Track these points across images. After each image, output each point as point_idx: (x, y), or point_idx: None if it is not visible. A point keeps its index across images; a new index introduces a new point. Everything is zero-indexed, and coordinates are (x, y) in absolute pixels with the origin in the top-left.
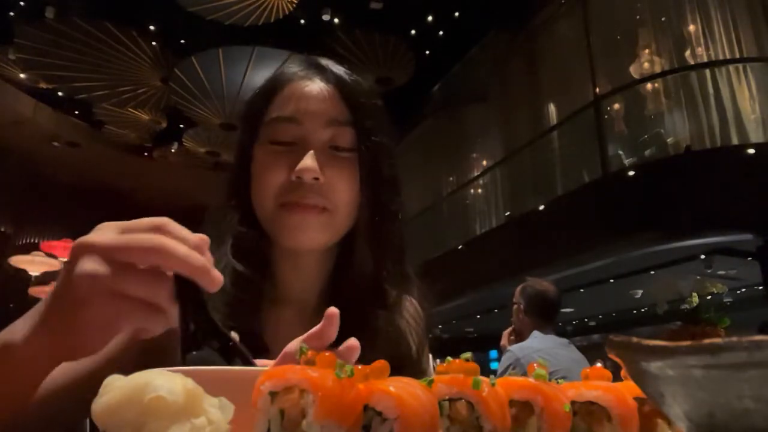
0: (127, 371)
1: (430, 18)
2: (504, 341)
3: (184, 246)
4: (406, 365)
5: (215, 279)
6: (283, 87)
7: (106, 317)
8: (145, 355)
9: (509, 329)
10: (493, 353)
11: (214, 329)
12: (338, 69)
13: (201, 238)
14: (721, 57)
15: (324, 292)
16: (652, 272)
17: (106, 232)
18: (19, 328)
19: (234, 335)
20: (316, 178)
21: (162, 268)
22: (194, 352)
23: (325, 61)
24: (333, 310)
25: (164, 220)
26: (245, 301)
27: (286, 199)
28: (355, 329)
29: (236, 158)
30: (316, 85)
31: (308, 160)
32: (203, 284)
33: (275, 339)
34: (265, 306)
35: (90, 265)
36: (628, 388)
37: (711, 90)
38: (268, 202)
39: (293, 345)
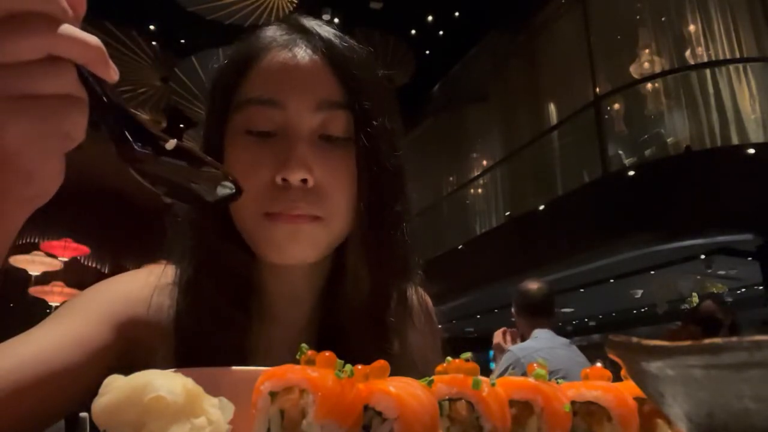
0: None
1: (430, 18)
2: (497, 340)
3: (76, 29)
4: None
5: (113, 67)
6: (260, 57)
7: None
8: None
9: (501, 329)
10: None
11: (135, 122)
12: (326, 31)
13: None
14: (721, 57)
15: (315, 309)
16: (652, 272)
17: None
18: None
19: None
20: (305, 180)
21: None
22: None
23: (310, 22)
24: None
25: None
26: (228, 319)
27: (271, 209)
28: (356, 352)
29: (203, 151)
30: (300, 54)
31: (296, 158)
32: (103, 74)
33: (263, 360)
34: (250, 324)
35: None
36: (628, 388)
37: (711, 90)
38: (248, 212)
39: None
